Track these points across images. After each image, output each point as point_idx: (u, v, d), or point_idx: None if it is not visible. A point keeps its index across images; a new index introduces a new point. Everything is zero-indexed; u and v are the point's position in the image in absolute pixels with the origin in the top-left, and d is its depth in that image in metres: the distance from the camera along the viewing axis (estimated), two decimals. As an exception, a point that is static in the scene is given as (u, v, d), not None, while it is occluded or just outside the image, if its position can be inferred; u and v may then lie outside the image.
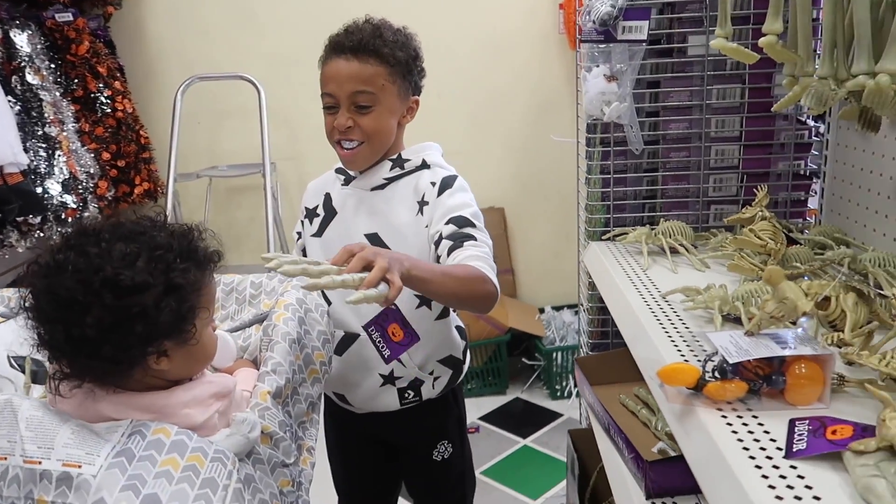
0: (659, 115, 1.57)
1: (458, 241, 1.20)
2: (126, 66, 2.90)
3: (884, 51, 0.91)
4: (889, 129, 1.29)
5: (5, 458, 0.83)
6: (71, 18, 2.53)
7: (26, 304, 0.84)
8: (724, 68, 1.52)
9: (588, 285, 1.65)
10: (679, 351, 1.02)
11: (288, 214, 2.98)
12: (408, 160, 1.33)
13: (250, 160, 2.95)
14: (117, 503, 0.76)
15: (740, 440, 0.79)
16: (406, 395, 1.37)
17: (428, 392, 1.38)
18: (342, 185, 1.38)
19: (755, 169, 1.58)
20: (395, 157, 1.33)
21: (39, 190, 2.30)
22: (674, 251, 1.43)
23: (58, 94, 2.48)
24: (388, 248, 1.29)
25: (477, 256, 1.17)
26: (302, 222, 1.45)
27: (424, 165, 1.34)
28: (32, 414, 0.85)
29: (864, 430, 0.75)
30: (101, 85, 2.62)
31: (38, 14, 2.49)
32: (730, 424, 0.82)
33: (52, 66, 2.49)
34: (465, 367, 1.46)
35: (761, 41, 1.06)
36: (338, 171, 1.40)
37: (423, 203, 1.29)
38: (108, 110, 2.65)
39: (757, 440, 0.78)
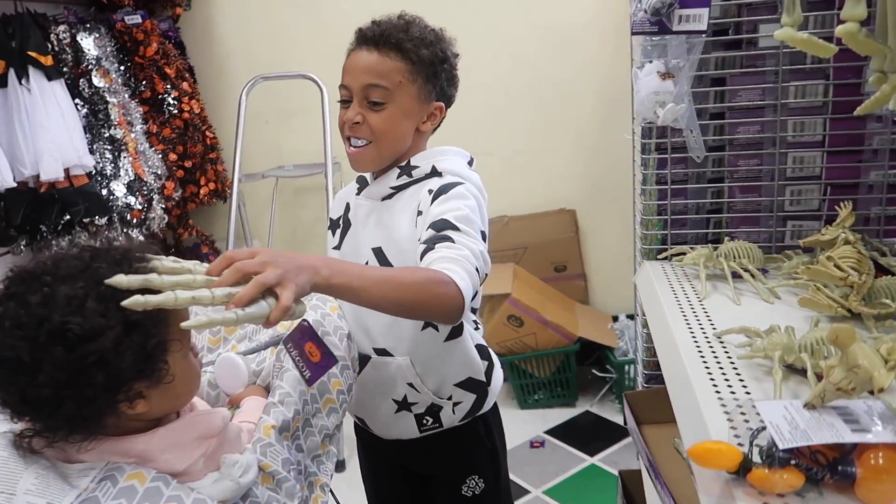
0: (725, 116, 1.37)
1: (431, 243, 1.04)
2: (196, 67, 2.94)
3: None
4: None
5: (-29, 500, 0.78)
6: (140, 20, 2.57)
7: None
8: (803, 62, 1.30)
9: (642, 310, 1.48)
10: (726, 412, 0.84)
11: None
12: (416, 167, 1.21)
13: (316, 160, 2.92)
14: None
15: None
16: (425, 421, 1.27)
17: (449, 419, 1.27)
18: (356, 194, 1.29)
19: (841, 179, 1.35)
20: (404, 163, 1.22)
21: (105, 192, 2.34)
22: (737, 277, 1.24)
23: (126, 95, 2.53)
24: (391, 265, 1.19)
25: (447, 258, 1.00)
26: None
27: (434, 173, 1.20)
28: (-1, 454, 0.80)
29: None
30: (168, 86, 2.66)
31: (109, 17, 2.54)
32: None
33: (122, 68, 2.54)
34: (494, 388, 1.32)
35: (839, 30, 0.86)
36: (359, 178, 1.31)
37: (419, 214, 1.17)
38: (175, 111, 2.69)
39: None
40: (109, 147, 2.39)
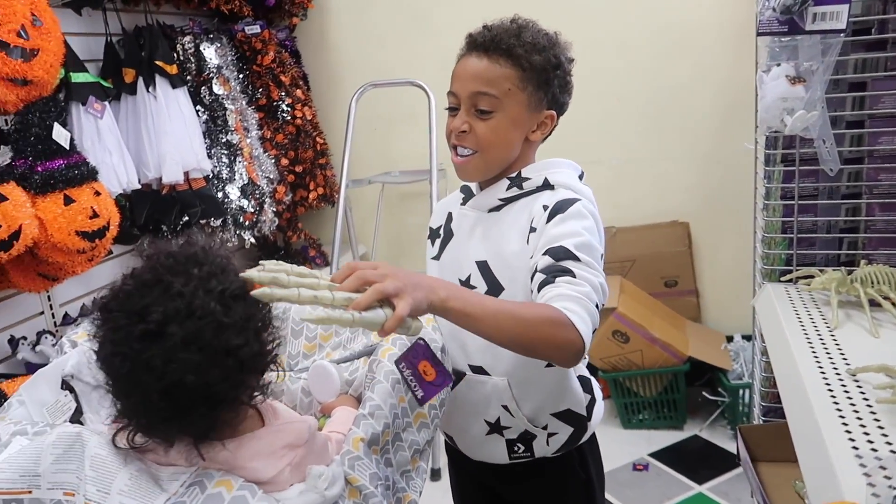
0: (864, 125, 1.23)
1: (552, 275, 0.99)
2: (310, 74, 3.03)
3: None
4: None
5: (73, 495, 0.81)
6: (258, 31, 2.67)
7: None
8: (961, 64, 1.15)
9: (761, 336, 1.36)
10: (863, 467, 0.73)
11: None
12: (527, 179, 1.15)
13: (422, 166, 2.93)
14: None
15: None
16: (516, 448, 1.21)
17: (542, 449, 1.21)
18: (461, 204, 1.25)
19: None
20: (514, 174, 1.16)
21: (220, 194, 2.45)
22: (875, 305, 1.10)
23: (243, 102, 2.63)
24: (496, 280, 1.14)
25: (567, 296, 0.95)
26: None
27: (547, 186, 1.15)
28: (97, 452, 0.83)
29: None
30: (283, 93, 2.75)
31: (230, 28, 2.66)
32: None
33: (240, 76, 2.65)
34: (593, 423, 1.25)
35: None
36: (463, 188, 1.27)
37: (531, 230, 1.11)
38: (289, 118, 2.77)
39: None
40: (226, 152, 2.49)
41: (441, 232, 1.28)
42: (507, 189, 1.16)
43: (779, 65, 1.17)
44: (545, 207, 1.09)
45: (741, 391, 2.53)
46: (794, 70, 1.16)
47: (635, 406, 2.71)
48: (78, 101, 1.90)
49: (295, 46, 2.97)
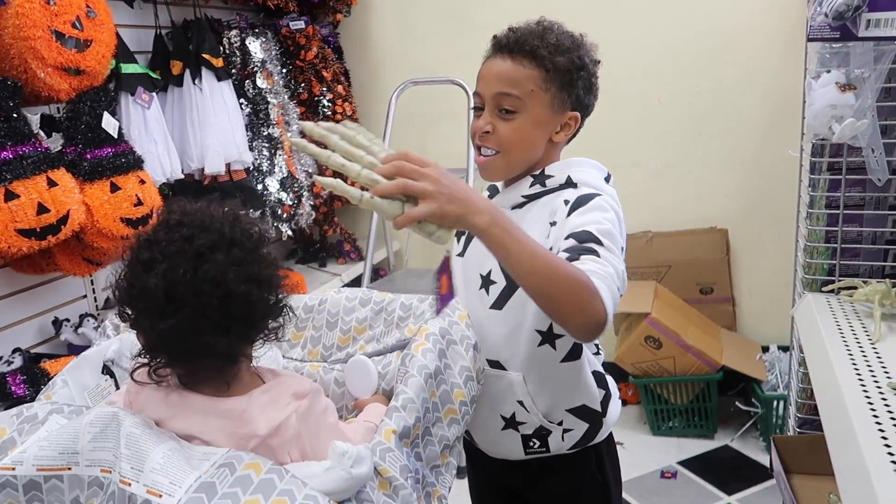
0: (916, 135, 1.20)
1: (576, 253, 0.97)
2: (351, 70, 3.05)
3: None
4: None
5: (109, 472, 0.83)
6: (303, 26, 2.70)
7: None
8: None
9: (800, 346, 1.33)
10: None
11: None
12: (550, 176, 1.16)
13: (458, 164, 2.93)
14: None
15: None
16: (531, 443, 1.21)
17: (557, 445, 1.21)
18: None
19: None
20: (537, 172, 1.17)
21: (260, 187, 2.48)
22: (919, 318, 1.08)
23: (286, 97, 2.66)
24: None
25: (594, 273, 0.93)
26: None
27: (569, 184, 1.15)
28: (132, 431, 0.85)
29: None
30: (324, 89, 2.78)
31: (275, 22, 2.69)
32: None
33: (283, 70, 2.68)
34: (609, 420, 1.24)
35: None
36: (490, 186, 1.28)
37: (552, 224, 1.11)
38: (329, 113, 2.80)
39: None
40: (267, 145, 2.53)
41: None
42: (531, 186, 1.17)
43: (829, 71, 1.15)
44: (566, 202, 1.09)
45: (775, 402, 2.49)
46: (844, 77, 1.14)
47: (666, 413, 2.68)
48: (127, 91, 1.95)
49: (337, 42, 3.00)
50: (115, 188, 1.72)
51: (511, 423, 1.20)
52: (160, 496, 0.78)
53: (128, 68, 1.96)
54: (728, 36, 2.65)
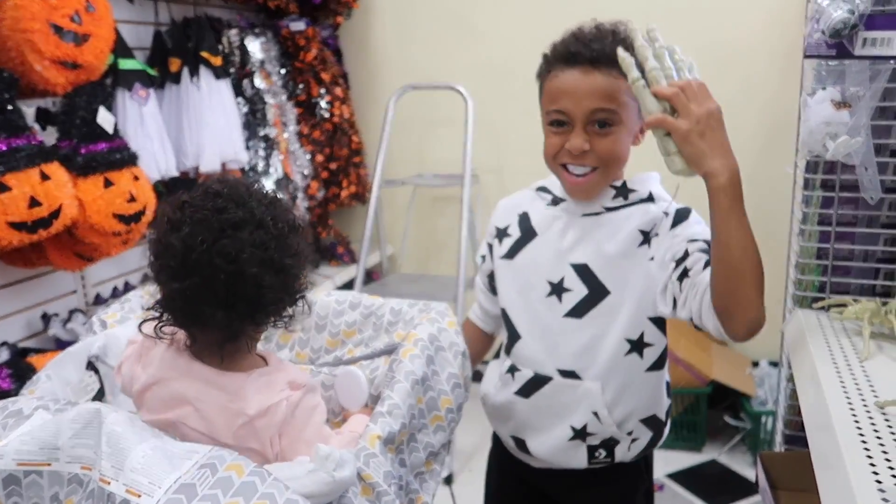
0: (909, 155, 1.20)
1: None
2: (350, 73, 3.05)
3: None
4: None
5: (90, 469, 0.82)
6: (303, 27, 2.71)
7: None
8: None
9: (788, 362, 1.33)
10: (884, 499, 0.70)
11: (486, 228, 2.93)
12: (633, 191, 1.16)
13: (455, 171, 2.93)
14: None
15: None
16: (597, 453, 1.18)
17: (622, 454, 1.19)
18: (549, 204, 1.22)
19: None
20: (619, 184, 1.16)
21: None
22: (909, 337, 1.08)
23: (284, 97, 2.66)
24: (600, 283, 1.14)
25: None
26: (489, 244, 1.33)
27: (650, 198, 1.17)
28: (113, 429, 0.84)
29: None
30: (322, 91, 2.78)
31: (276, 23, 2.69)
32: None
33: (282, 71, 2.68)
34: (667, 430, 1.25)
35: None
36: (540, 189, 1.26)
37: (651, 234, 1.13)
38: (327, 115, 2.80)
39: None
40: (263, 145, 2.52)
41: (512, 231, 1.26)
42: (614, 198, 1.16)
43: (824, 88, 1.15)
44: (666, 214, 1.13)
45: (764, 418, 2.49)
46: (839, 95, 1.14)
47: (655, 426, 2.68)
48: (124, 87, 1.94)
49: (337, 45, 3.00)
50: (108, 183, 1.71)
51: (580, 433, 1.17)
52: (139, 496, 0.77)
53: (126, 64, 1.95)
54: (728, 52, 2.65)
